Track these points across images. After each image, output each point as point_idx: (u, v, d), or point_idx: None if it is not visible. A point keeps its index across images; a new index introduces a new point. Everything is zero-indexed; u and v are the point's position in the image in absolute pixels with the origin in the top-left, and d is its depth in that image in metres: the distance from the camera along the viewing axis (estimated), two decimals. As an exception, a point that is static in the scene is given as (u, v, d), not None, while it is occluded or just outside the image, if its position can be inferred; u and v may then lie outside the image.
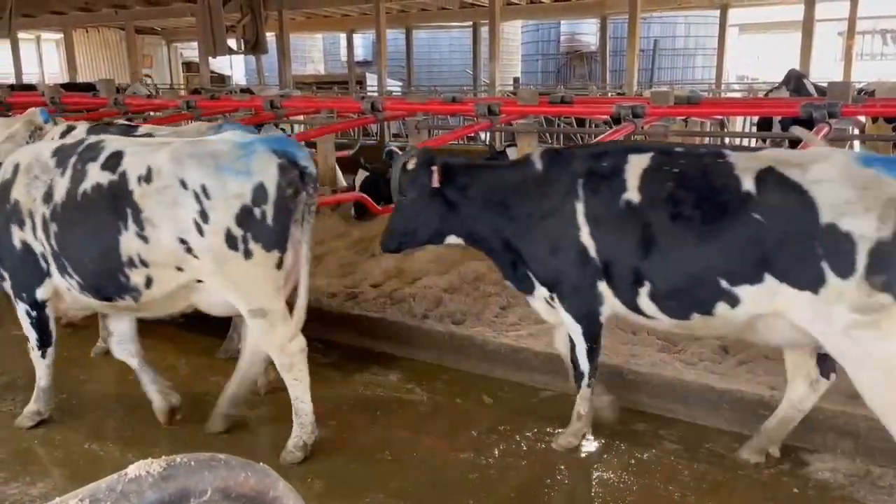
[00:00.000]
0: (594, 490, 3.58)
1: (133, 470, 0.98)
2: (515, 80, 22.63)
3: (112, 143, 3.78)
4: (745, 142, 12.64)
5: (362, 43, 30.38)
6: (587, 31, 23.66)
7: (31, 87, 14.13)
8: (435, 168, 3.80)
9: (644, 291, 3.42)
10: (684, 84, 18.09)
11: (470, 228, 3.91)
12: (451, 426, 4.22)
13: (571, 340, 3.80)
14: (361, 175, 8.40)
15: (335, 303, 5.55)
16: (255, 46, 16.77)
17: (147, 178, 3.53)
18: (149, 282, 3.65)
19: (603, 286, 3.55)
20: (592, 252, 3.51)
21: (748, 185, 3.16)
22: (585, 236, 3.51)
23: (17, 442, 4.06)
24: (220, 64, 26.16)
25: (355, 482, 3.66)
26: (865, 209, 2.94)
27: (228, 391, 4.06)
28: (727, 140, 10.96)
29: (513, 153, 7.57)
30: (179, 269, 3.60)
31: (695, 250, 3.26)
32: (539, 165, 3.73)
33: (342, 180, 8.77)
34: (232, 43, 16.48)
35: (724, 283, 3.22)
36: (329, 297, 5.63)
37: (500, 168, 3.93)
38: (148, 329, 4.14)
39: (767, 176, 3.15)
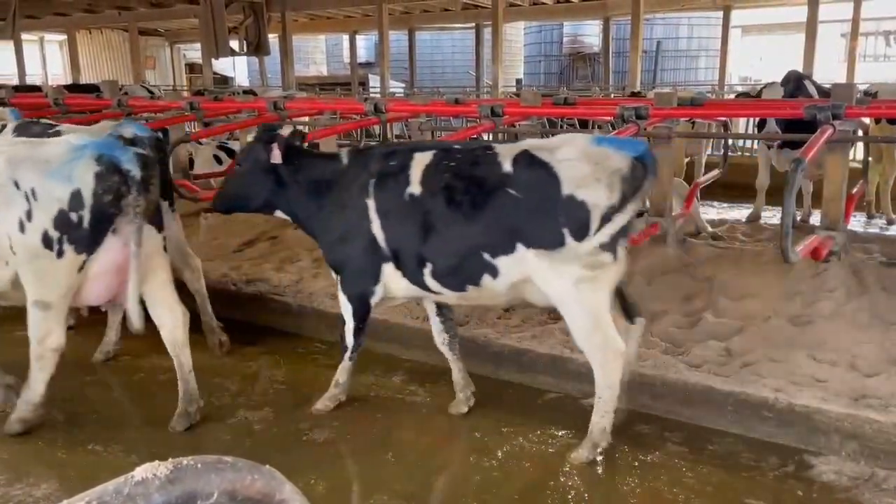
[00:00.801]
0: (598, 492, 3.57)
1: (140, 472, 0.98)
2: (518, 81, 22.64)
3: None
4: (748, 142, 12.63)
5: (365, 44, 30.44)
6: (590, 33, 23.70)
7: (35, 89, 14.12)
8: (275, 145, 4.05)
9: (427, 271, 3.84)
10: (687, 85, 18.06)
11: (293, 208, 4.24)
12: (454, 428, 4.22)
13: (342, 318, 4.25)
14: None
15: (337, 304, 5.53)
16: (257, 48, 16.82)
17: None
18: None
19: (390, 270, 3.97)
20: (382, 242, 3.92)
21: (507, 167, 3.65)
22: (377, 229, 3.91)
23: (20, 443, 4.06)
24: (222, 65, 26.16)
25: (358, 484, 3.66)
26: (597, 181, 3.49)
27: (180, 391, 4.23)
28: (730, 141, 10.93)
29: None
30: (6, 263, 3.81)
31: (462, 230, 3.71)
32: (345, 161, 4.09)
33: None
34: (234, 44, 16.52)
35: (486, 257, 3.68)
36: (331, 298, 5.62)
37: (322, 158, 4.24)
38: (151, 330, 4.14)
39: (522, 158, 3.65)
